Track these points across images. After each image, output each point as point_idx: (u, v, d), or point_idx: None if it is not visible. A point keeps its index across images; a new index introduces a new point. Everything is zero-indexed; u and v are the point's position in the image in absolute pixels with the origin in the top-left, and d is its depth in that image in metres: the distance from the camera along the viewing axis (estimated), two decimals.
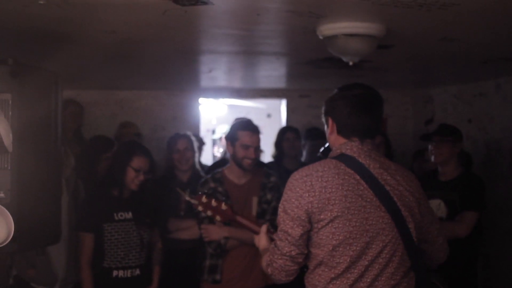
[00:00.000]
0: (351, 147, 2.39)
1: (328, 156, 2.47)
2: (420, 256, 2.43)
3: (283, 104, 7.19)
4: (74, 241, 3.76)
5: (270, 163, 5.39)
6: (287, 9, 2.69)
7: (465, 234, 3.86)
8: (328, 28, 2.99)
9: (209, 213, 2.88)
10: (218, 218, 2.87)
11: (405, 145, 6.88)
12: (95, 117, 6.20)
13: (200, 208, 2.89)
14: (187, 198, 2.92)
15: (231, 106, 9.97)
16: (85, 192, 4.08)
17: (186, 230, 4.24)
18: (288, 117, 6.97)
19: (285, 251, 2.34)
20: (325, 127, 2.52)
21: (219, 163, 4.86)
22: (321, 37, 3.11)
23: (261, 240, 2.59)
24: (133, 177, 3.67)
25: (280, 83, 6.30)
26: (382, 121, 2.50)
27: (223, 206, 2.85)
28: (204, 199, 2.86)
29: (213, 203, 2.85)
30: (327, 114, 2.49)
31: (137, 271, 3.71)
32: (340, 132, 2.43)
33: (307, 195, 2.30)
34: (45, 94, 2.79)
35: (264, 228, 2.60)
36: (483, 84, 5.70)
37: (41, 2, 2.51)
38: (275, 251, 2.38)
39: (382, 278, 2.30)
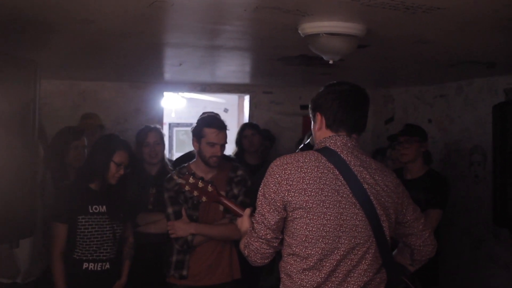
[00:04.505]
0: (335, 141, 2.44)
1: None
2: (391, 254, 2.48)
3: (244, 99, 7.20)
4: (40, 233, 3.69)
5: (232, 158, 5.44)
6: (274, 6, 2.69)
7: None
8: (311, 27, 3.00)
9: (195, 193, 2.97)
10: (204, 198, 2.97)
11: (365, 143, 6.97)
12: (57, 108, 6.07)
13: (187, 188, 2.98)
14: (175, 177, 3.00)
15: (189, 100, 9.90)
16: (52, 183, 4.01)
17: (154, 224, 4.22)
18: (251, 112, 7.00)
19: (261, 234, 2.41)
20: (312, 124, 2.56)
21: (185, 157, 4.85)
22: (302, 35, 3.12)
23: (244, 223, 2.63)
24: (114, 172, 3.66)
25: (244, 79, 6.31)
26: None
27: (209, 188, 2.95)
28: (191, 179, 2.97)
29: (200, 184, 2.96)
30: (315, 110, 2.54)
31: (107, 265, 3.69)
32: (329, 126, 2.47)
33: (284, 183, 2.35)
34: (24, 83, 2.72)
35: (247, 211, 2.65)
36: (445, 86, 5.84)
37: None
38: (252, 234, 2.45)
39: (355, 274, 2.35)
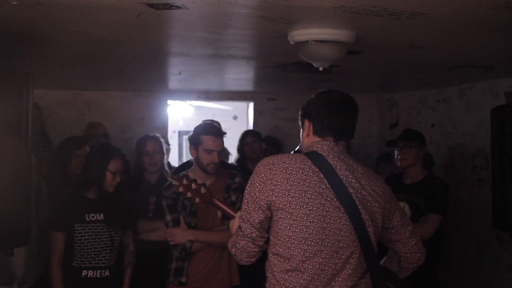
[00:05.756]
0: (322, 145, 2.47)
1: None
2: (377, 260, 2.47)
3: (250, 107, 7.22)
4: (35, 241, 3.74)
5: (234, 165, 5.47)
6: (259, 15, 2.72)
7: (429, 236, 3.95)
8: (299, 34, 3.03)
9: (189, 194, 3.01)
10: (197, 200, 3.01)
11: (370, 148, 6.99)
12: (63, 117, 6.14)
13: (180, 189, 3.02)
14: (169, 178, 3.07)
15: (197, 108, 9.97)
16: (51, 192, 4.06)
17: (155, 231, 4.25)
18: (255, 119, 7.02)
19: (246, 233, 2.44)
20: (301, 130, 2.59)
21: (186, 165, 4.88)
22: (292, 43, 3.15)
23: (235, 224, 2.65)
24: (111, 180, 3.71)
25: (248, 86, 6.34)
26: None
27: (202, 190, 3.00)
28: (185, 181, 3.01)
29: (193, 186, 3.00)
30: (304, 116, 2.57)
31: (107, 272, 3.72)
32: (316, 132, 2.50)
33: (269, 182, 2.38)
34: (17, 95, 2.79)
35: (239, 213, 2.66)
36: (447, 90, 5.83)
37: (14, 2, 2.49)
38: (238, 232, 2.48)
39: (339, 279, 2.36)
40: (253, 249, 2.47)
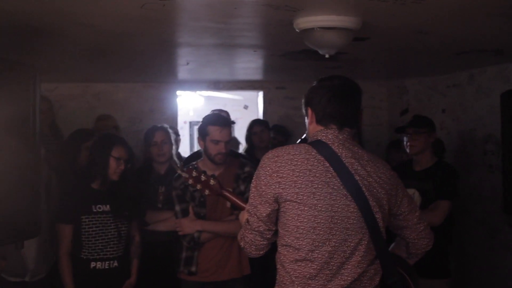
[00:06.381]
0: (326, 134, 2.45)
1: None
2: (386, 246, 2.47)
3: (260, 96, 7.22)
4: (46, 233, 3.77)
5: (243, 155, 5.48)
6: (264, 3, 2.71)
7: (439, 223, 3.94)
8: (305, 21, 3.02)
9: (198, 186, 3.01)
10: (207, 192, 3.01)
11: (380, 136, 6.96)
12: (73, 110, 6.17)
13: (190, 181, 3.02)
14: (179, 171, 3.07)
15: (208, 98, 9.97)
16: (61, 184, 4.08)
17: (164, 222, 4.26)
18: (265, 108, 7.01)
19: (254, 226, 2.45)
20: (305, 118, 2.58)
21: (195, 156, 4.90)
22: (297, 30, 3.14)
23: (244, 215, 2.65)
24: (115, 167, 3.72)
25: (257, 75, 6.33)
26: (360, 112, 2.56)
27: (212, 181, 2.99)
28: (194, 173, 3.01)
29: (202, 177, 3.00)
30: (307, 104, 2.55)
31: (115, 263, 3.75)
32: (319, 121, 2.49)
33: (275, 175, 2.38)
34: (24, 88, 2.79)
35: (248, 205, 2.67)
36: (457, 75, 5.79)
37: None
38: (247, 226, 2.49)
39: (349, 266, 2.36)
40: (261, 242, 2.47)
